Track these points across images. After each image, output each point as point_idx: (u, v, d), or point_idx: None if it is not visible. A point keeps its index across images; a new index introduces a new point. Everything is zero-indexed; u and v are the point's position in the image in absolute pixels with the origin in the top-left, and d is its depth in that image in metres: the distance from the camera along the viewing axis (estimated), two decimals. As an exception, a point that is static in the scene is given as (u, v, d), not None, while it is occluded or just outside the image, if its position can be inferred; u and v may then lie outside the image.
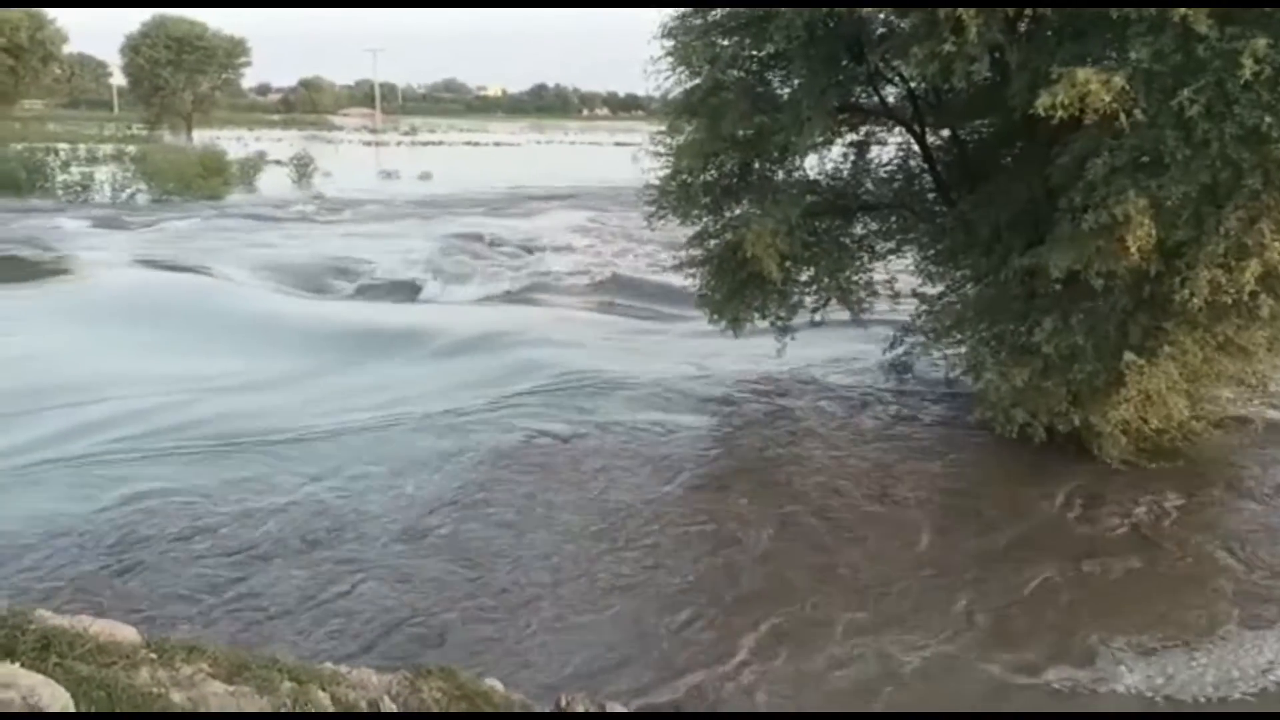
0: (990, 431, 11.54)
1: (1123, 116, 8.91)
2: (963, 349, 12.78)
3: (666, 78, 12.73)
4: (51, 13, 46.14)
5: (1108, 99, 8.76)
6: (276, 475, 10.78)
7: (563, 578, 8.65)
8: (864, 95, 13.42)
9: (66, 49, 53.38)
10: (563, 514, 10.00)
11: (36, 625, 3.69)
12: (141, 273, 24.16)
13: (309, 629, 7.65)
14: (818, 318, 14.84)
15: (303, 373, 15.09)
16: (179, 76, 72.98)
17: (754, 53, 12.51)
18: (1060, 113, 8.90)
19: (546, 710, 5.33)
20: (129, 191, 42.15)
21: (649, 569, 8.88)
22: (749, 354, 15.47)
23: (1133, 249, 9.23)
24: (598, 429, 12.61)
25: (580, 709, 5.61)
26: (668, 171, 13.40)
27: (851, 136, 14.40)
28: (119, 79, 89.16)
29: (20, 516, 9.49)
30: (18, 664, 2.82)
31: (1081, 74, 8.77)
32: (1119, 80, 8.74)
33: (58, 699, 2.57)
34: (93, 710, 2.71)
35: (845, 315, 14.69)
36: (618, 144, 75.39)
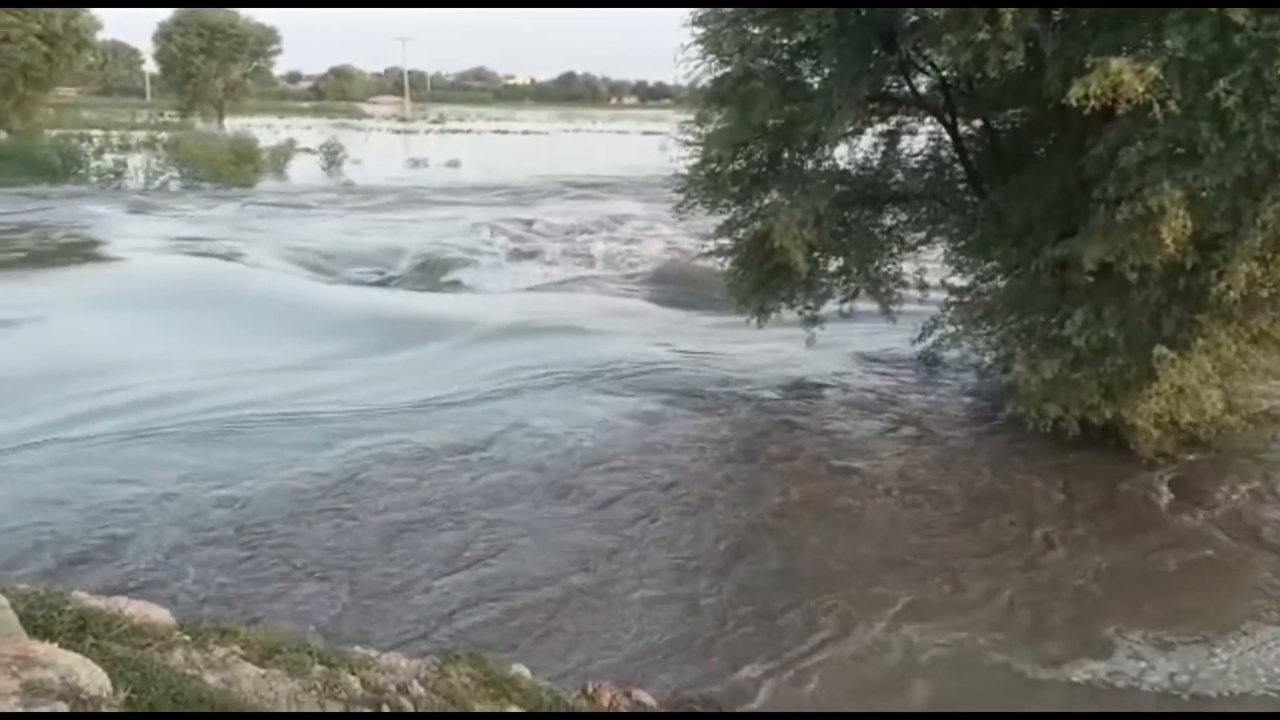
0: (1022, 425, 11.45)
1: (1156, 107, 8.80)
2: (993, 341, 12.69)
3: (696, 66, 12.71)
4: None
5: (1141, 89, 8.65)
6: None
7: (605, 562, 8.74)
8: (895, 84, 13.34)
9: (100, 36, 53.57)
10: (601, 500, 10.07)
11: (73, 606, 3.76)
12: (173, 259, 24.40)
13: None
14: (846, 309, 14.78)
15: (349, 356, 15.33)
16: (211, 64, 73.44)
17: (785, 41, 12.45)
18: (1093, 103, 8.81)
19: (572, 697, 5.37)
20: (161, 179, 42.57)
21: (689, 553, 8.96)
22: (779, 344, 15.44)
23: (1167, 241, 9.13)
24: (633, 416, 12.68)
25: (606, 697, 5.65)
26: (696, 160, 13.37)
27: (882, 126, 14.31)
28: (152, 66, 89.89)
29: (64, 496, 9.65)
30: (55, 644, 2.86)
31: (1115, 64, 8.66)
32: (1153, 70, 8.63)
33: (95, 679, 2.61)
34: (130, 693, 2.76)
35: (874, 307, 14.62)
36: (645, 132, 75.38)
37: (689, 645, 7.46)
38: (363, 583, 8.18)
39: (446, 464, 10.86)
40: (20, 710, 2.30)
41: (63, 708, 2.34)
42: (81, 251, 25.98)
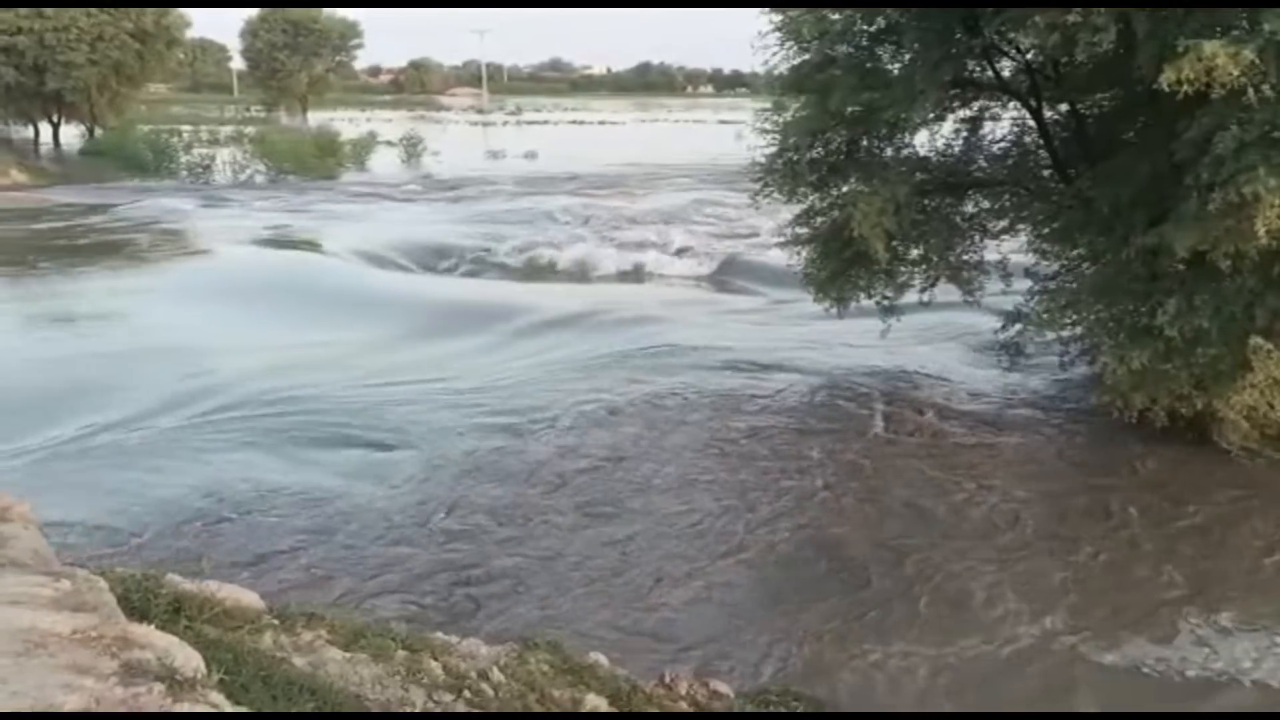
0: (1107, 415, 11.19)
1: (1251, 91, 8.50)
2: (1078, 330, 12.39)
3: (774, 54, 12.61)
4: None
5: (1236, 73, 8.36)
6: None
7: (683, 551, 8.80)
8: (978, 69, 13.09)
9: (189, 34, 54.96)
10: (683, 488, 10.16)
11: (168, 589, 3.87)
12: (261, 252, 24.97)
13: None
14: (925, 298, 14.56)
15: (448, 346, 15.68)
16: (295, 59, 75.03)
17: (865, 27, 12.31)
18: (1186, 87, 8.53)
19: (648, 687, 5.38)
20: (248, 172, 43.60)
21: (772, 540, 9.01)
22: (856, 335, 15.30)
23: (1261, 230, 8.81)
24: (711, 401, 12.74)
25: (683, 687, 5.65)
26: (774, 149, 13.27)
27: (964, 112, 14.06)
28: (238, 63, 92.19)
29: (175, 479, 10.05)
30: (152, 625, 2.95)
31: (1209, 47, 8.39)
32: (1249, 53, 8.33)
33: (189, 660, 2.68)
34: (222, 674, 2.83)
35: (954, 295, 14.38)
36: (722, 121, 74.95)
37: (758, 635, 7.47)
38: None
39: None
40: (120, 689, 2.37)
41: (159, 688, 2.41)
42: (172, 244, 26.76)
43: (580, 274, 23.04)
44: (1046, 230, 13.73)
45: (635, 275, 23.02)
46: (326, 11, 76.17)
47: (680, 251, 24.81)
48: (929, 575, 8.37)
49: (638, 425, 11.90)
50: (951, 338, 15.70)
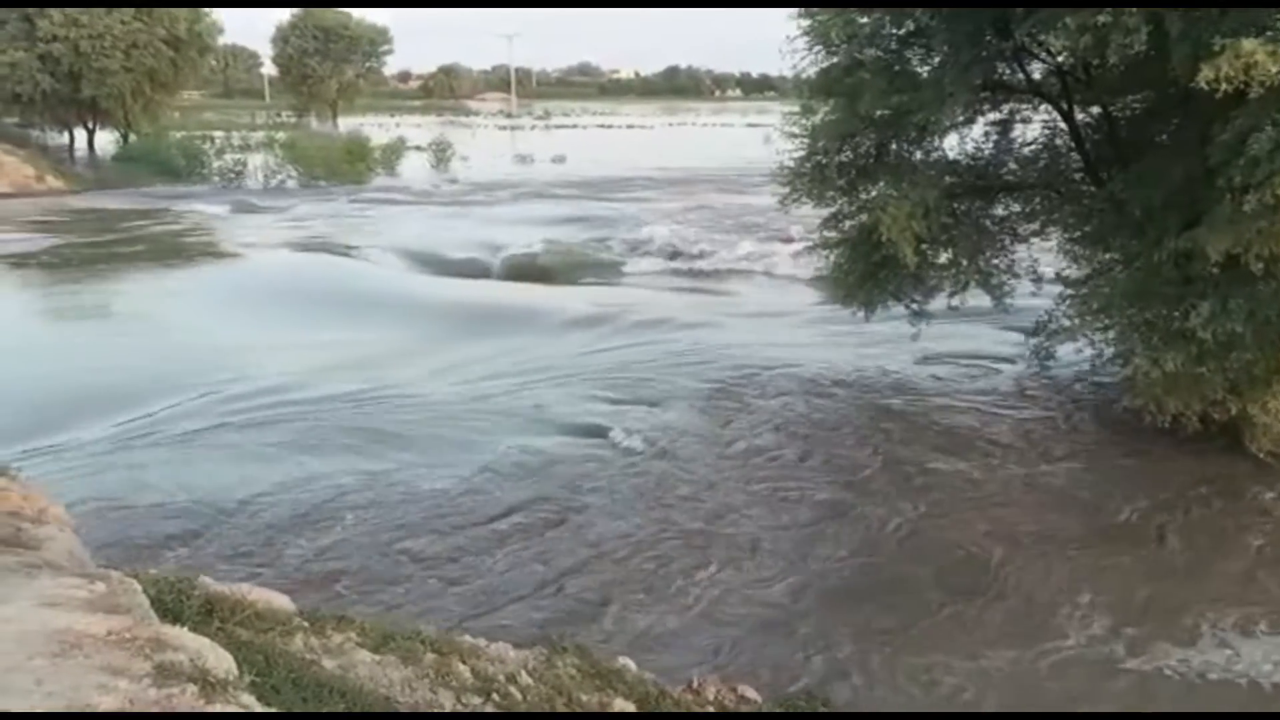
0: (1139, 420, 11.08)
1: (1289, 91, 8.39)
2: (1110, 334, 12.27)
3: (802, 57, 12.57)
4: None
5: (1274, 70, 8.25)
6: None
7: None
8: (1008, 71, 12.99)
9: (221, 40, 55.56)
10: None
11: (200, 591, 3.91)
12: (291, 256, 25.18)
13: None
14: (955, 302, 14.46)
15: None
16: (326, 65, 75.65)
17: (894, 30, 12.24)
18: (1223, 86, 8.43)
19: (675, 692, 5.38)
20: (279, 177, 43.97)
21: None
22: (878, 341, 15.23)
23: (1297, 231, 8.71)
24: (748, 411, 12.72)
25: (711, 692, 5.65)
26: (802, 153, 13.23)
27: (994, 115, 13.95)
28: (270, 69, 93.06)
29: (209, 480, 10.18)
30: (184, 627, 2.98)
31: (1247, 44, 8.28)
32: (1288, 52, 8.23)
33: (221, 662, 2.71)
34: (254, 676, 2.86)
35: (984, 300, 14.28)
36: (749, 125, 74.87)
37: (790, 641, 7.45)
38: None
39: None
40: (154, 690, 2.40)
41: (192, 689, 2.43)
42: (204, 248, 27.05)
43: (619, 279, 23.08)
44: (1078, 234, 13.62)
45: (659, 275, 22.99)
46: (357, 17, 76.83)
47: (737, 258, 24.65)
48: (987, 586, 8.36)
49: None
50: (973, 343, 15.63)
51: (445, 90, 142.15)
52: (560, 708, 4.46)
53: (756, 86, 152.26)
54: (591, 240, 26.85)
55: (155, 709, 2.32)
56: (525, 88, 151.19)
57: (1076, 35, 9.59)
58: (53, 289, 21.67)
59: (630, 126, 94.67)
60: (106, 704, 2.28)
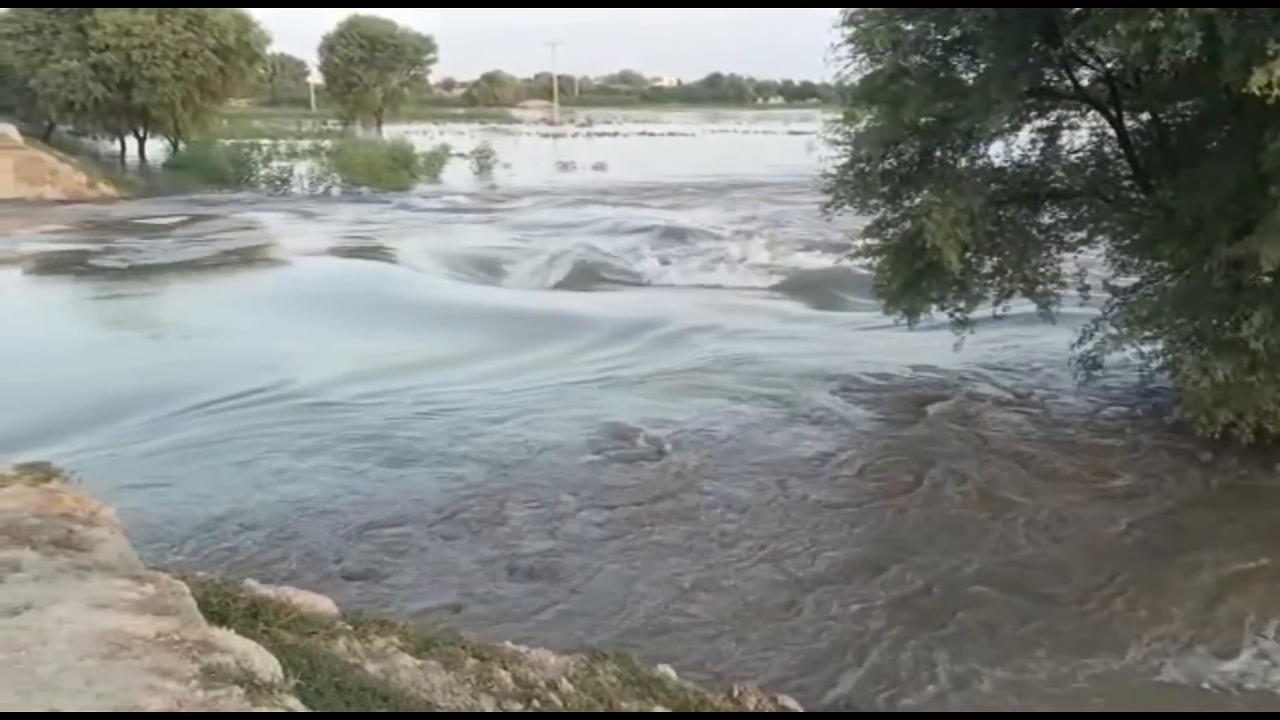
0: (1191, 432, 10.89)
1: (1346, 96, 8.22)
2: (1159, 344, 12.08)
3: (846, 65, 12.50)
4: (256, 14, 48.89)
5: (1330, 76, 8.10)
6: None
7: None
8: (1056, 78, 12.83)
9: (269, 50, 56.29)
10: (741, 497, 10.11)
11: (245, 594, 3.96)
12: (337, 263, 25.42)
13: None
14: (1000, 310, 14.30)
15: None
16: (371, 74, 76.32)
17: (939, 37, 12.14)
18: (1275, 91, 8.29)
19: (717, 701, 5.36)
20: (324, 184, 44.49)
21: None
22: (925, 348, 15.11)
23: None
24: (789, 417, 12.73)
25: (752, 701, 5.62)
26: (845, 160, 13.17)
27: (1040, 121, 13.80)
28: (316, 77, 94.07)
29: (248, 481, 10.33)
30: (230, 629, 3.01)
31: (1301, 50, 8.14)
32: (1344, 56, 8.07)
33: (267, 665, 2.74)
34: (298, 679, 2.88)
35: (1029, 308, 14.12)
36: (792, 132, 74.68)
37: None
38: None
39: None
40: (201, 692, 2.43)
41: (239, 692, 2.46)
42: (252, 255, 27.38)
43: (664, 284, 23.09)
44: (1126, 242, 13.42)
45: (700, 286, 22.98)
46: (402, 26, 77.43)
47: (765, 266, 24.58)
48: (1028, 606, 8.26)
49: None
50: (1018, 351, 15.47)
51: (489, 98, 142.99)
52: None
53: (799, 94, 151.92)
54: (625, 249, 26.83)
55: (202, 710, 2.35)
56: (568, 95, 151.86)
57: (1127, 42, 9.46)
58: (103, 293, 22.02)
59: (672, 134, 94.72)
60: (155, 705, 2.31)
